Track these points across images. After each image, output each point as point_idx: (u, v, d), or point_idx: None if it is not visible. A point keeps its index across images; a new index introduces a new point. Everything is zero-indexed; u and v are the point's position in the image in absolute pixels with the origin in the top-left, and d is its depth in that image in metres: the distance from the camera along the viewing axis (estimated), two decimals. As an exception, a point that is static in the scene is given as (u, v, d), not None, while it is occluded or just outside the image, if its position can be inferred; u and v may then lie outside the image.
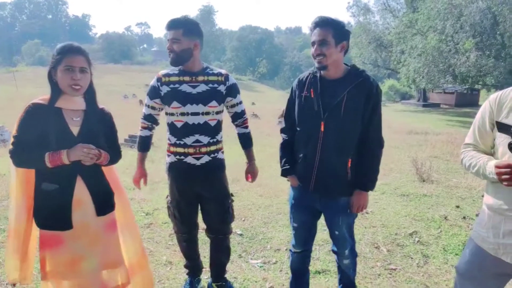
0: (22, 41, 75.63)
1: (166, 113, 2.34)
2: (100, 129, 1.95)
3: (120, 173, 2.26)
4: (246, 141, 2.57)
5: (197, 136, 2.29)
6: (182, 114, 2.25)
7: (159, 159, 7.10)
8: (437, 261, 3.16)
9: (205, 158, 2.33)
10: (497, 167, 1.43)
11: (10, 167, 1.97)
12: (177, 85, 2.26)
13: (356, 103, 1.96)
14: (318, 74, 2.08)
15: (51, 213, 1.83)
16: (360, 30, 35.21)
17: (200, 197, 2.42)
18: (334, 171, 2.04)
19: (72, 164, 1.80)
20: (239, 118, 2.51)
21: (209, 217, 2.48)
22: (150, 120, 2.43)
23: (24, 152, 1.77)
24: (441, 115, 23.59)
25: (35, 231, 1.97)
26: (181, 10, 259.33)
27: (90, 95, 1.94)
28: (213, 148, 2.35)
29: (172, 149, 2.35)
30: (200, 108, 2.26)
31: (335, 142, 2.00)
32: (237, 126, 2.55)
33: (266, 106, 24.87)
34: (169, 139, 2.37)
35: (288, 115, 2.25)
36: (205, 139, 2.30)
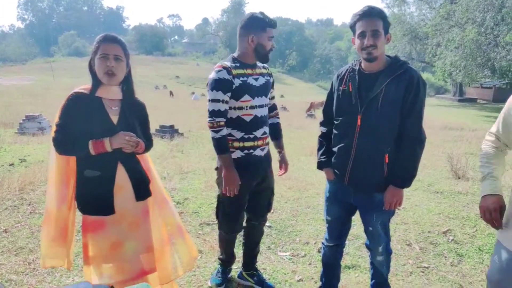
0: (59, 32, 78.51)
1: (230, 108, 2.24)
2: (135, 118, 2.00)
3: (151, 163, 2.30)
4: (279, 131, 2.62)
5: (264, 128, 2.36)
6: (252, 107, 2.27)
7: (188, 150, 7.23)
8: (471, 261, 3.05)
9: (267, 148, 2.44)
10: (481, 206, 1.62)
11: (49, 154, 2.03)
12: (245, 78, 2.25)
13: (395, 96, 1.90)
14: (357, 68, 2.03)
15: (94, 198, 1.89)
16: (394, 21, 34.18)
17: (255, 187, 2.42)
18: (370, 166, 1.99)
19: (113, 152, 1.85)
20: (274, 109, 2.61)
21: (258, 206, 2.50)
22: (225, 116, 2.21)
23: (67, 139, 1.83)
24: (478, 110, 22.65)
25: (75, 217, 2.04)
26: (212, 2, 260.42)
27: (127, 85, 1.97)
28: (269, 138, 2.47)
29: (238, 144, 2.28)
30: (263, 100, 2.34)
31: (371, 136, 1.95)
32: (272, 117, 2.59)
33: (295, 99, 24.72)
34: (231, 135, 2.28)
35: (327, 108, 2.23)
36: (267, 130, 2.42)
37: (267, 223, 3.66)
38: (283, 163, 2.61)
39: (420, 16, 34.95)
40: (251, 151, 2.31)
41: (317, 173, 5.18)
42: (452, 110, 23.52)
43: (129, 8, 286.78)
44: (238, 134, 2.28)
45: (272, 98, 2.54)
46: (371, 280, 2.29)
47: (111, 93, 1.92)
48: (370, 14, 1.89)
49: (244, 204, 2.41)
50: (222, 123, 2.19)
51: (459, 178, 5.65)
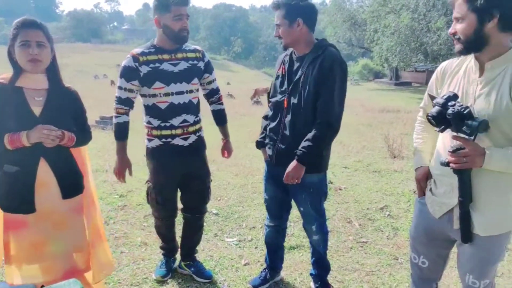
0: (-17, 18, 71.58)
1: (144, 95, 2.23)
2: (65, 109, 1.87)
3: (92, 156, 2.21)
4: (222, 117, 2.56)
5: (184, 116, 2.26)
6: (166, 94, 2.19)
7: (131, 141, 6.98)
8: (405, 233, 3.28)
9: (192, 138, 2.32)
10: (417, 179, 1.73)
11: None
12: (157, 64, 2.17)
13: (312, 78, 1.95)
14: (289, 52, 2.10)
15: (13, 195, 1.78)
16: (334, 8, 35.14)
17: (183, 178, 2.39)
18: (294, 147, 2.03)
19: (34, 146, 1.73)
20: (215, 94, 2.52)
21: (189, 196, 2.47)
22: (128, 105, 2.24)
23: None
24: (412, 93, 24.11)
25: None
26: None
27: (52, 73, 1.84)
28: (197, 126, 2.36)
29: (155, 132, 2.26)
30: (184, 86, 2.23)
31: (296, 117, 2.03)
32: (212, 103, 2.54)
33: (241, 86, 24.71)
34: (149, 123, 2.26)
35: (270, 92, 2.28)
36: (191, 118, 2.29)
37: (214, 210, 3.67)
38: (225, 149, 2.60)
39: (358, 2, 36.17)
40: (169, 139, 2.25)
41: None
42: (389, 94, 24.79)
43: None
44: (155, 122, 2.24)
45: (210, 83, 2.45)
46: (311, 258, 2.39)
47: (35, 82, 1.79)
48: (273, 8, 2.02)
49: (169, 192, 2.41)
50: (122, 111, 2.24)
51: (395, 157, 6.01)
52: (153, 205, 2.44)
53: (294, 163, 1.98)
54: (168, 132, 2.24)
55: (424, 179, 1.71)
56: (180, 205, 2.54)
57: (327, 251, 2.39)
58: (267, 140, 2.22)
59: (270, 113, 2.20)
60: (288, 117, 2.04)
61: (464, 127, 1.37)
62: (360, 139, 7.84)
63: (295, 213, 3.17)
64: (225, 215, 3.64)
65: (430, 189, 1.66)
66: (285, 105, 2.05)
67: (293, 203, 2.34)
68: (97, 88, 19.10)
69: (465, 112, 1.36)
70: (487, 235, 1.50)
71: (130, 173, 2.37)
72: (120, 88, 2.21)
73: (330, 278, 2.47)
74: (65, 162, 1.90)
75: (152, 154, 2.32)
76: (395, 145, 6.25)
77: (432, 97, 1.56)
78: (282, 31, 2.00)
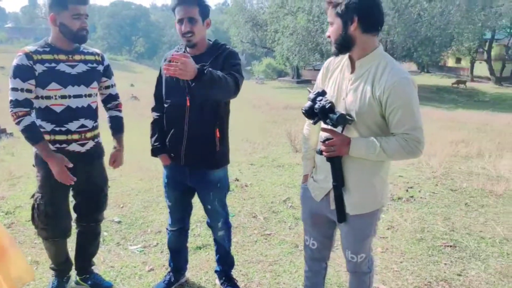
0: None
1: (37, 97, 2.03)
2: None
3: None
4: (119, 125, 2.42)
5: (82, 121, 2.12)
6: (63, 97, 2.04)
7: (20, 152, 6.32)
8: (306, 222, 3.52)
9: (90, 144, 2.20)
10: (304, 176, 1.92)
11: None
12: (53, 64, 2.01)
13: None
14: (182, 51, 2.09)
15: None
16: (236, 9, 35.84)
17: (78, 186, 2.21)
18: (202, 144, 2.08)
19: None
20: (113, 100, 2.41)
21: (84, 205, 2.32)
22: (28, 106, 2.01)
23: None
24: (313, 90, 25.72)
25: None
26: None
27: None
28: (96, 132, 2.25)
29: (49, 137, 2.07)
30: (82, 89, 2.11)
31: (200, 115, 2.05)
32: (109, 109, 2.42)
33: (146, 88, 23.75)
34: (41, 126, 2.06)
35: (157, 93, 2.25)
36: (89, 123, 2.17)
37: (116, 218, 3.51)
38: (114, 158, 2.40)
39: (259, 4, 37.40)
40: (64, 145, 2.11)
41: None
42: (292, 91, 26.14)
43: None
44: (48, 126, 2.08)
45: (108, 87, 2.34)
46: (216, 255, 2.44)
47: None
48: (185, 2, 1.95)
49: (63, 203, 2.23)
50: (23, 113, 2.00)
51: (297, 151, 6.37)
52: (42, 222, 2.19)
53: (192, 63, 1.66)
54: (63, 137, 2.10)
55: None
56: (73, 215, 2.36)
57: (232, 247, 2.45)
58: (168, 143, 2.18)
59: (167, 115, 2.16)
60: (192, 115, 2.04)
61: (328, 120, 1.56)
62: (265, 136, 8.14)
63: (200, 213, 3.20)
64: (129, 222, 3.50)
65: (313, 176, 1.84)
66: (188, 104, 2.03)
67: (194, 203, 2.37)
68: (-24, 94, 16.77)
69: (327, 107, 1.55)
70: (356, 214, 1.70)
71: (68, 163, 2.07)
72: (15, 89, 1.98)
73: (234, 272, 2.54)
74: None
75: (43, 160, 2.09)
76: (297, 140, 6.63)
77: (309, 92, 1.72)
78: (197, 27, 1.97)
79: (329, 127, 1.60)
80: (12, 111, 2.00)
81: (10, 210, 3.71)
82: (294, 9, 28.00)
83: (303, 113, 1.63)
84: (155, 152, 2.26)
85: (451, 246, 3.07)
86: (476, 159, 5.97)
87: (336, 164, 1.64)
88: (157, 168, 5.27)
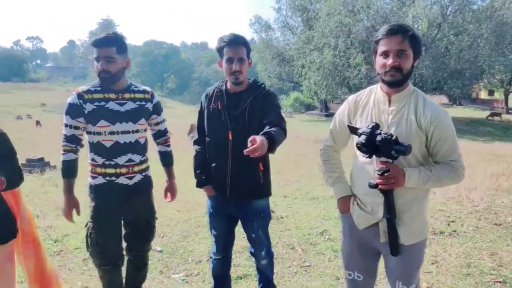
0: None
1: (89, 132, 2.21)
2: None
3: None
4: (168, 159, 2.58)
5: (129, 155, 2.25)
6: (112, 133, 2.19)
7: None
8: (345, 254, 3.48)
9: (138, 177, 2.31)
10: (339, 208, 1.93)
11: None
12: (103, 103, 2.17)
13: (257, 110, 2.14)
14: (223, 88, 2.23)
15: None
16: (263, 46, 36.94)
17: (127, 217, 2.34)
18: (246, 176, 2.17)
19: None
20: (162, 136, 2.54)
21: (132, 236, 2.42)
22: (74, 142, 2.20)
23: None
24: (341, 123, 25.68)
25: None
26: (77, 24, 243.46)
27: None
28: (144, 166, 2.35)
29: (100, 170, 2.22)
30: (130, 126, 2.23)
31: (243, 149, 2.13)
32: (159, 144, 2.56)
33: (177, 122, 24.53)
34: (94, 160, 2.23)
35: (200, 127, 2.36)
36: (137, 158, 2.28)
37: (158, 248, 3.60)
38: (169, 191, 2.58)
39: (285, 40, 38.42)
40: (113, 178, 2.23)
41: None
42: (320, 124, 26.17)
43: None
44: (99, 160, 2.22)
45: (157, 124, 2.47)
46: (259, 284, 2.46)
47: None
48: (235, 42, 2.11)
49: (113, 233, 2.32)
50: (68, 148, 2.20)
51: (330, 183, 6.33)
52: (94, 250, 2.30)
53: (262, 140, 1.80)
54: (112, 170, 2.22)
55: (349, 203, 1.90)
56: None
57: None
58: (213, 176, 2.26)
59: (210, 149, 2.26)
60: (235, 149, 2.11)
61: (393, 152, 1.56)
62: (297, 169, 8.16)
63: (240, 244, 3.24)
64: (170, 252, 3.58)
65: (357, 204, 1.85)
66: (230, 138, 2.14)
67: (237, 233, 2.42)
68: (21, 129, 17.86)
69: (393, 139, 1.56)
70: (410, 244, 1.71)
71: (78, 213, 2.27)
72: (66, 125, 2.19)
73: (278, 303, 2.54)
74: None
75: (95, 191, 2.25)
76: (329, 172, 6.61)
77: (351, 128, 1.75)
78: (245, 66, 2.12)
79: (385, 159, 1.62)
80: (62, 144, 2.22)
81: (59, 238, 3.87)
82: (320, 44, 28.55)
83: (359, 147, 1.64)
84: (199, 184, 2.35)
85: (500, 282, 2.95)
86: (519, 193, 5.75)
87: (390, 196, 1.65)
88: (194, 199, 5.40)
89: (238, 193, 2.21)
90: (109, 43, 2.10)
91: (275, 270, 3.08)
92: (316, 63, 28.28)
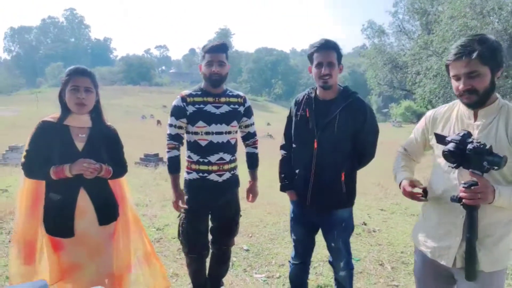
0: (46, 63, 78.52)
1: (188, 132, 2.43)
2: (103, 145, 2.08)
3: (134, 191, 2.39)
4: (253, 161, 2.69)
5: (221, 154, 2.42)
6: (207, 133, 2.38)
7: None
8: (441, 279, 3.16)
9: (227, 175, 2.47)
10: (404, 187, 1.72)
11: (19, 178, 2.12)
12: (202, 105, 2.39)
13: (347, 121, 2.09)
14: (313, 95, 2.22)
15: (55, 220, 1.99)
16: (375, 51, 35.40)
17: (214, 211, 2.52)
18: (329, 185, 2.14)
19: (76, 177, 1.93)
20: (251, 138, 2.68)
21: (217, 230, 2.59)
22: (178, 140, 2.44)
23: (34, 165, 1.94)
24: (458, 136, 23.30)
25: (44, 238, 2.09)
26: (199, 34, 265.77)
27: (96, 113, 2.10)
28: (233, 165, 2.51)
29: (195, 166, 2.43)
30: (223, 127, 2.41)
31: (328, 158, 2.11)
32: (247, 145, 2.69)
33: (281, 126, 25.03)
34: (190, 157, 2.45)
35: (286, 132, 2.39)
36: (227, 157, 2.45)
37: (245, 246, 3.74)
38: (250, 193, 2.68)
39: (399, 46, 36.25)
40: (206, 174, 2.41)
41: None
42: (433, 136, 24.08)
43: (117, 39, 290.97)
44: (194, 157, 2.42)
45: (247, 126, 2.61)
46: (337, 295, 2.39)
47: (80, 121, 2.04)
48: (325, 46, 2.09)
49: (201, 225, 2.50)
50: (172, 146, 2.44)
51: (434, 200, 5.81)
52: (184, 238, 2.51)
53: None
54: (205, 167, 2.41)
55: (410, 183, 1.72)
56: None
57: (354, 291, 2.38)
58: (296, 182, 2.28)
59: (295, 156, 2.31)
60: (320, 158, 2.14)
61: (485, 162, 1.39)
62: (398, 182, 7.65)
63: (324, 253, 3.18)
64: (256, 252, 3.69)
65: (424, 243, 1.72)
66: (315, 147, 2.14)
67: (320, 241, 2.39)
68: (143, 127, 20.10)
69: (486, 148, 1.40)
70: (490, 271, 1.50)
71: (183, 203, 2.46)
72: (170, 125, 2.44)
73: (356, 319, 2.43)
74: (103, 192, 2.10)
75: (189, 185, 2.47)
76: (435, 188, 6.06)
77: (438, 136, 1.61)
78: (334, 71, 2.12)
79: (474, 171, 1.44)
80: (167, 142, 2.45)
81: (160, 227, 4.29)
82: (439, 50, 26.24)
83: (446, 154, 1.50)
84: (283, 188, 2.39)
85: None
86: None
87: (474, 213, 1.46)
88: (284, 203, 5.45)
89: (319, 202, 2.19)
90: (222, 49, 2.37)
91: (358, 285, 2.97)
92: (434, 70, 26.02)
